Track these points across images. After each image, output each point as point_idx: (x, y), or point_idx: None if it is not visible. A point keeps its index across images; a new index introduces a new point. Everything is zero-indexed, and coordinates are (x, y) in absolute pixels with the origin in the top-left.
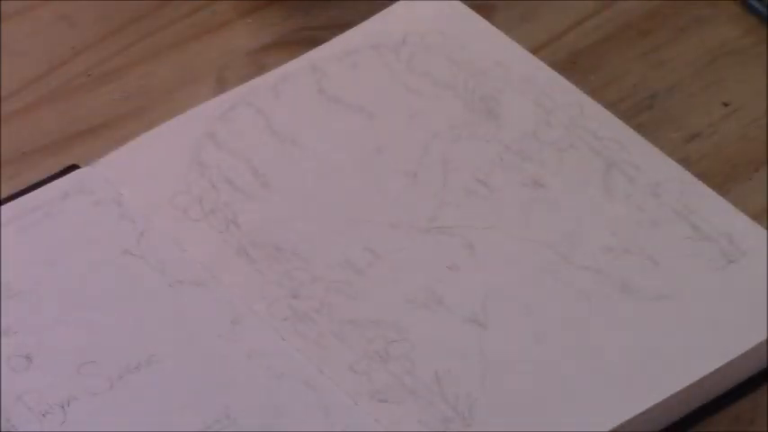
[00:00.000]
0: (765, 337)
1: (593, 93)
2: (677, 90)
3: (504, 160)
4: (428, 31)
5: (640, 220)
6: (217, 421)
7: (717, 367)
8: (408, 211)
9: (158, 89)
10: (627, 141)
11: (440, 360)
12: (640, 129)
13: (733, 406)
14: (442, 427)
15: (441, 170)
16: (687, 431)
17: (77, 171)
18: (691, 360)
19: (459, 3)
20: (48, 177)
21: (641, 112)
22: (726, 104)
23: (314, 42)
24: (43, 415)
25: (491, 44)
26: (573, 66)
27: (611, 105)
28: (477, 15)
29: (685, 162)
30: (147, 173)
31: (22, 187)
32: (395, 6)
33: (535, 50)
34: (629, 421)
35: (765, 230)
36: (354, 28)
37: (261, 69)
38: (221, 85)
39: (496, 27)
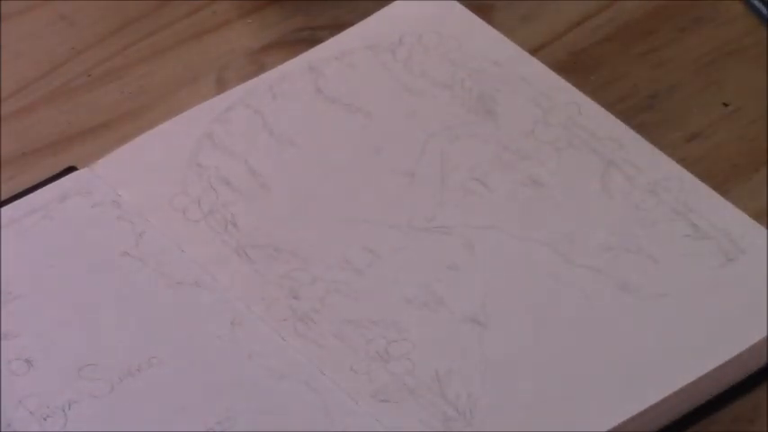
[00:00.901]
0: (765, 335)
1: (593, 93)
2: (677, 90)
3: (503, 160)
4: (425, 31)
5: (639, 218)
6: (218, 423)
7: (716, 365)
8: (407, 211)
9: (158, 89)
10: (625, 140)
11: (440, 360)
12: (640, 129)
13: (733, 406)
14: (444, 427)
15: (439, 170)
16: (687, 430)
17: (76, 173)
18: (690, 358)
19: (456, 3)
20: (46, 179)
21: (641, 112)
22: (726, 104)
23: (314, 42)
24: (44, 419)
25: (488, 44)
26: (573, 66)
27: (611, 105)
28: (474, 15)
29: (685, 162)
30: (145, 174)
31: (22, 188)
32: (391, 6)
33: (535, 50)
34: (630, 420)
35: (765, 229)
36: (351, 28)
37: (261, 69)
38: (221, 85)
39: (496, 27)
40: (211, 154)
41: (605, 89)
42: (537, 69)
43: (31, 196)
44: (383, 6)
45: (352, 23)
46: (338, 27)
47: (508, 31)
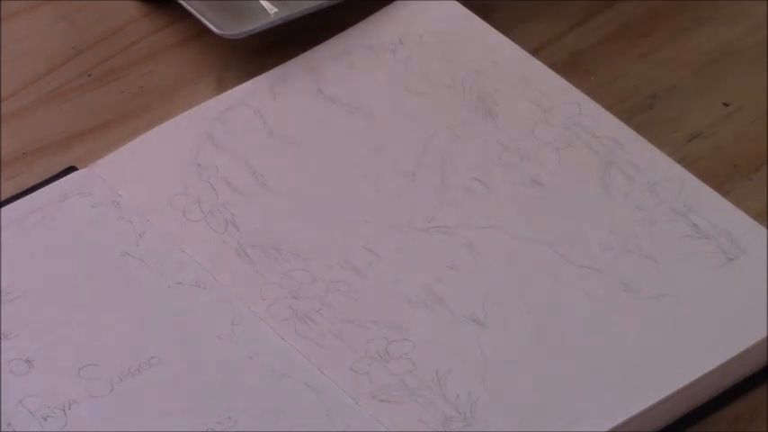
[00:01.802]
0: (765, 335)
1: (594, 93)
2: (677, 90)
3: (503, 159)
4: (425, 32)
5: (639, 218)
6: (218, 423)
7: (717, 365)
8: (407, 211)
9: (158, 89)
10: (625, 140)
11: (440, 359)
12: (640, 129)
13: (733, 406)
14: (444, 427)
15: (439, 170)
16: (687, 430)
17: (76, 173)
18: (690, 359)
19: (456, 3)
20: (46, 179)
21: (641, 112)
22: (726, 104)
23: (314, 42)
24: (44, 419)
25: (488, 44)
26: (573, 66)
27: (611, 105)
28: (475, 15)
29: (685, 162)
30: (145, 174)
31: (22, 188)
32: (392, 6)
33: (535, 50)
34: (629, 420)
35: (765, 228)
36: (351, 28)
37: (261, 69)
38: (221, 85)
39: (496, 27)
40: (211, 154)
41: (605, 89)
42: (537, 69)
43: (32, 196)
44: (383, 6)
45: (352, 23)
46: (338, 27)
47: (508, 31)
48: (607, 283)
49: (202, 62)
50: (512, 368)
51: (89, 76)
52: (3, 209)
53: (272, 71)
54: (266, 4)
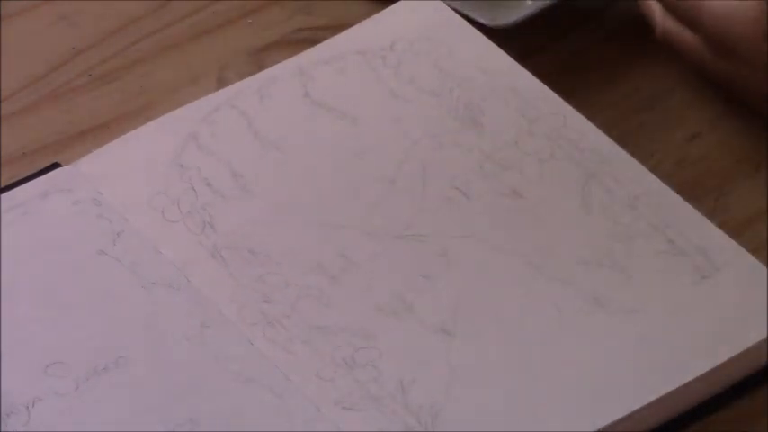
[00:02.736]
0: (734, 354)
1: (594, 93)
2: (678, 90)
3: (485, 169)
4: (417, 38)
5: (616, 233)
6: (179, 425)
7: (685, 382)
8: (384, 218)
9: (158, 89)
10: (608, 154)
11: (406, 369)
12: (640, 129)
13: (733, 406)
14: None
15: (420, 177)
16: (687, 430)
17: (58, 170)
18: (657, 375)
19: (450, 10)
20: (28, 176)
21: (641, 112)
22: (726, 104)
23: (314, 42)
24: (7, 415)
25: (479, 52)
26: (573, 66)
27: (611, 105)
28: (467, 23)
29: (685, 162)
30: (127, 173)
31: None
32: (387, 11)
33: (534, 52)
34: None
35: (740, 246)
36: (345, 31)
37: (261, 69)
38: (221, 86)
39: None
40: (195, 155)
41: (605, 89)
42: (525, 79)
43: (12, 192)
44: (383, 7)
45: (352, 24)
46: (338, 27)
47: (507, 33)
48: (579, 297)
49: (202, 62)
50: (478, 380)
51: (89, 76)
52: None
53: (261, 73)
54: None
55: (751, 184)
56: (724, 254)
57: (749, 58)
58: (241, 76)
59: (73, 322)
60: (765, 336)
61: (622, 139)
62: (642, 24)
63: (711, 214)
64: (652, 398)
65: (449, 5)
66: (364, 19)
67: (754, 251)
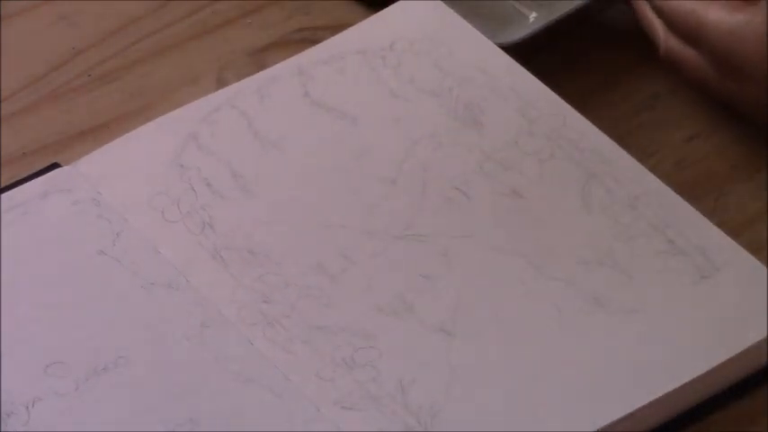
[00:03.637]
0: (734, 354)
1: (594, 93)
2: (678, 90)
3: (485, 169)
4: (417, 38)
5: (617, 233)
6: (179, 425)
7: (685, 382)
8: (385, 218)
9: (158, 89)
10: (608, 153)
11: (406, 369)
12: (640, 129)
13: (733, 406)
14: None
15: (420, 177)
16: (687, 430)
17: (58, 170)
18: (657, 376)
19: (450, 10)
20: (28, 176)
21: (641, 112)
22: (726, 104)
23: (314, 42)
24: (7, 415)
25: (479, 52)
26: (573, 66)
27: (611, 105)
28: (467, 23)
29: (685, 162)
30: (127, 173)
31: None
32: (387, 11)
33: (533, 51)
34: None
35: (740, 246)
36: (345, 31)
37: (261, 69)
38: (221, 86)
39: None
40: (195, 155)
41: (605, 89)
42: (525, 79)
43: (12, 192)
44: (383, 7)
45: (352, 23)
46: (338, 27)
47: None
48: (579, 297)
49: (202, 62)
50: (477, 380)
51: (89, 76)
52: None
53: (261, 73)
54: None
55: (751, 184)
56: (724, 254)
57: (754, 75)
58: (241, 76)
59: (73, 322)
60: (765, 336)
61: (622, 139)
62: None
63: (711, 214)
64: (652, 398)
65: None
66: (364, 19)
67: (754, 251)
